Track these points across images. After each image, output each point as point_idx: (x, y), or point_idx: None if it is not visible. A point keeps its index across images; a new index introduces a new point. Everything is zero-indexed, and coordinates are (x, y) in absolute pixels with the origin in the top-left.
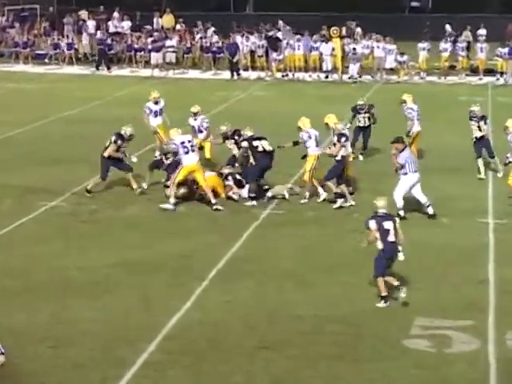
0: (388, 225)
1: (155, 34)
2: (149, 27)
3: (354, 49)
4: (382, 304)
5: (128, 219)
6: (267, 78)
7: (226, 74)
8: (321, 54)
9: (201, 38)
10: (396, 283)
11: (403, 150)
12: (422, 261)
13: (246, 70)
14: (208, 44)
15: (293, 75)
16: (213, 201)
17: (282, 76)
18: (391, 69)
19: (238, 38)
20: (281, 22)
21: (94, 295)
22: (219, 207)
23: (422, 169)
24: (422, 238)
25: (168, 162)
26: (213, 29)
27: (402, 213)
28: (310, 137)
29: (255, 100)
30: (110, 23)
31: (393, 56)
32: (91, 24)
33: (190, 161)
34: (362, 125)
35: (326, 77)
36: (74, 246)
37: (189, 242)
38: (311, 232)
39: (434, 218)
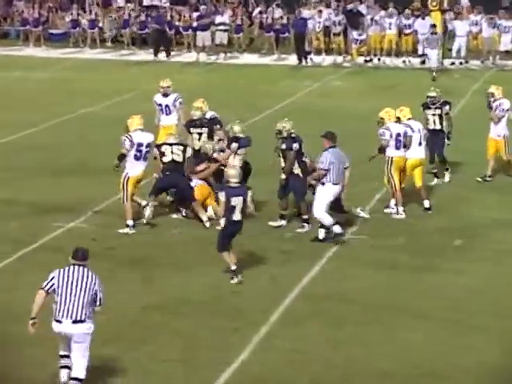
0: (236, 201)
1: (202, 7)
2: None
3: (434, 26)
4: (235, 280)
5: (167, 246)
6: (345, 63)
7: (293, 59)
8: (415, 32)
9: (260, 12)
10: (233, 267)
11: (328, 149)
12: None
13: (318, 53)
14: (269, 20)
15: (378, 60)
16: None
17: (365, 61)
18: (507, 51)
19: (307, 13)
20: None
21: (124, 343)
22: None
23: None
24: None
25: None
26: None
27: (337, 229)
28: (391, 135)
29: (330, 92)
30: None
31: (509, 35)
32: None
33: (137, 170)
34: (431, 127)
35: (422, 62)
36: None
37: (244, 276)
38: (402, 263)
39: (342, 236)
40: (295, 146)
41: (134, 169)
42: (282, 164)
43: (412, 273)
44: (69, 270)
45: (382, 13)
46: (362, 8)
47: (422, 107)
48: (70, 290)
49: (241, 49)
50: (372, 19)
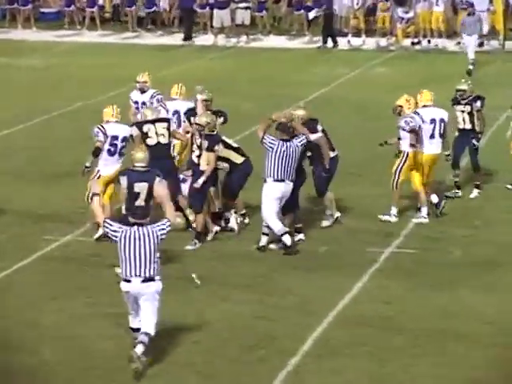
0: (140, 187)
1: None
2: None
3: (471, 5)
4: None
5: (180, 263)
6: (390, 46)
7: (328, 42)
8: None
9: None
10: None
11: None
12: None
13: (356, 34)
14: None
15: (428, 42)
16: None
17: (412, 44)
18: None
19: None
20: None
21: (129, 380)
22: None
23: None
24: None
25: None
26: None
27: (287, 240)
28: (410, 121)
29: (371, 81)
30: None
31: None
32: None
33: (110, 169)
34: (460, 126)
35: (481, 44)
36: (100, 303)
37: (271, 299)
38: (459, 280)
39: (289, 253)
40: (318, 137)
41: (107, 167)
42: None
43: (472, 293)
44: (130, 230)
45: None
46: None
47: (451, 102)
48: (134, 250)
49: (265, 30)
50: None
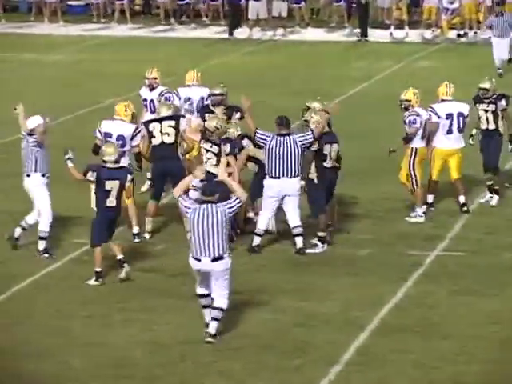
0: (111, 185)
1: None
2: None
3: (501, 3)
4: (92, 282)
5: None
6: (435, 39)
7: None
8: None
9: None
10: (120, 256)
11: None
12: None
13: (399, 26)
14: None
15: (475, 33)
16: (135, 230)
17: (458, 36)
18: None
19: None
20: None
21: None
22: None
23: None
24: None
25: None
26: None
27: (256, 241)
28: (421, 123)
29: (415, 75)
30: None
31: None
32: None
33: None
34: (483, 126)
35: None
36: (131, 309)
37: (311, 305)
38: (509, 286)
39: (303, 253)
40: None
41: None
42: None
43: None
44: (199, 208)
45: None
46: None
47: (473, 101)
48: (204, 228)
49: (303, 22)
50: None
